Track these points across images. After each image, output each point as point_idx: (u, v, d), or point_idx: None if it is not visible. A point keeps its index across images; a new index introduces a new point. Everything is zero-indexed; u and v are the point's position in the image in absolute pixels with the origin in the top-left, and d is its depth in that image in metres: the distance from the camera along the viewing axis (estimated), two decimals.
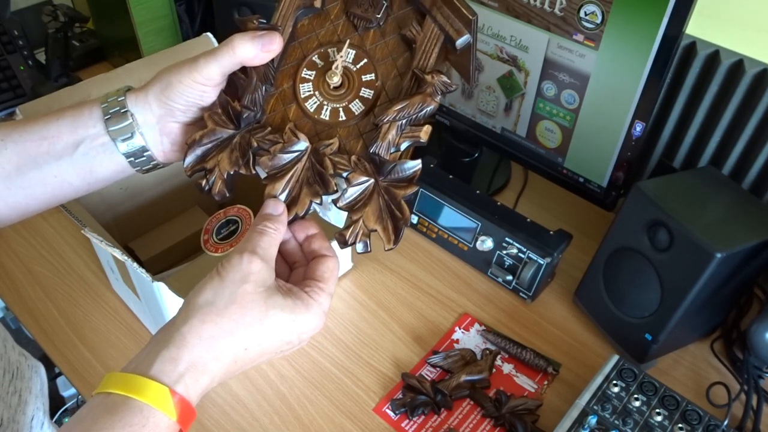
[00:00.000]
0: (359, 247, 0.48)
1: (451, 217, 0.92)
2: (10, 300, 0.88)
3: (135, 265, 0.64)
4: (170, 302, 0.66)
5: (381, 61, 0.50)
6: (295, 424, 0.74)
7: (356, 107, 0.50)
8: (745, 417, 0.74)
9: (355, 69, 0.50)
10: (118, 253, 0.64)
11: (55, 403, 1.57)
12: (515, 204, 1.04)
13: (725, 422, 0.69)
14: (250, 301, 0.43)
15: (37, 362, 0.76)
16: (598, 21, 0.76)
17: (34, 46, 1.22)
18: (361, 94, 0.50)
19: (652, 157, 0.97)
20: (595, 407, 0.70)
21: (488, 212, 0.89)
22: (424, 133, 0.47)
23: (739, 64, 0.83)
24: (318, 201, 0.48)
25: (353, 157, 0.48)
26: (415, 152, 0.49)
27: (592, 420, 0.69)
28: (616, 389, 0.72)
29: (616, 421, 0.69)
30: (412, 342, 0.83)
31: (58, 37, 1.21)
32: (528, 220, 0.88)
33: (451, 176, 0.94)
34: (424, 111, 0.47)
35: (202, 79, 0.48)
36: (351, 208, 0.48)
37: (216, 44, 0.89)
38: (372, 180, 0.48)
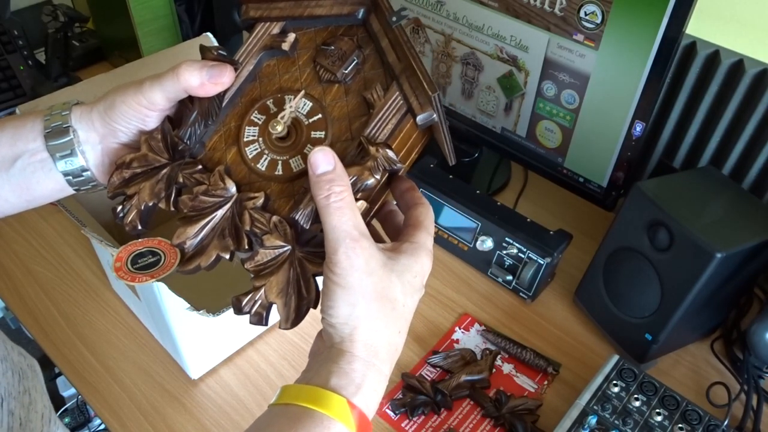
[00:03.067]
0: (253, 318, 0.43)
1: (451, 217, 0.92)
2: (10, 300, 0.88)
3: None
4: (170, 302, 0.66)
5: (337, 120, 0.46)
6: None
7: (296, 164, 0.45)
8: (745, 417, 0.74)
9: (306, 123, 0.46)
10: None
11: (56, 403, 1.57)
12: (515, 204, 1.04)
13: (725, 422, 0.69)
14: (382, 288, 0.41)
15: (32, 360, 0.76)
16: (598, 21, 0.76)
17: (34, 46, 1.22)
18: (305, 150, 0.45)
19: (652, 157, 0.97)
20: (595, 407, 0.70)
21: (488, 212, 0.89)
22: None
23: (739, 64, 0.83)
24: (226, 256, 0.44)
25: (275, 218, 0.43)
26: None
27: (592, 420, 0.69)
28: (616, 389, 0.72)
29: (616, 421, 0.69)
30: (412, 342, 0.83)
31: (58, 37, 1.21)
32: (528, 220, 0.88)
33: (451, 176, 0.94)
34: (358, 185, 0.42)
35: (145, 103, 0.46)
36: (258, 272, 0.43)
37: (216, 44, 0.89)
38: (288, 247, 0.43)
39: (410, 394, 0.76)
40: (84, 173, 0.48)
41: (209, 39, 0.89)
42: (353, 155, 0.44)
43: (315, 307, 0.43)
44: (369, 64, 0.47)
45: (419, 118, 0.44)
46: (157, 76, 0.45)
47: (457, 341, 0.84)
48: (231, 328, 0.78)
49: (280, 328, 0.42)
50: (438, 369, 0.80)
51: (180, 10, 1.23)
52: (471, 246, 0.91)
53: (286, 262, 0.43)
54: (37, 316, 0.86)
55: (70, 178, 0.48)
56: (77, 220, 0.73)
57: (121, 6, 1.15)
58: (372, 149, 0.43)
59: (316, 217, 0.42)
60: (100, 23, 1.29)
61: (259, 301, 0.43)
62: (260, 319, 0.43)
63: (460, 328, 0.85)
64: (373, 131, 0.44)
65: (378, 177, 0.43)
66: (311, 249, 0.43)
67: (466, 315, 0.87)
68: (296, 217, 0.43)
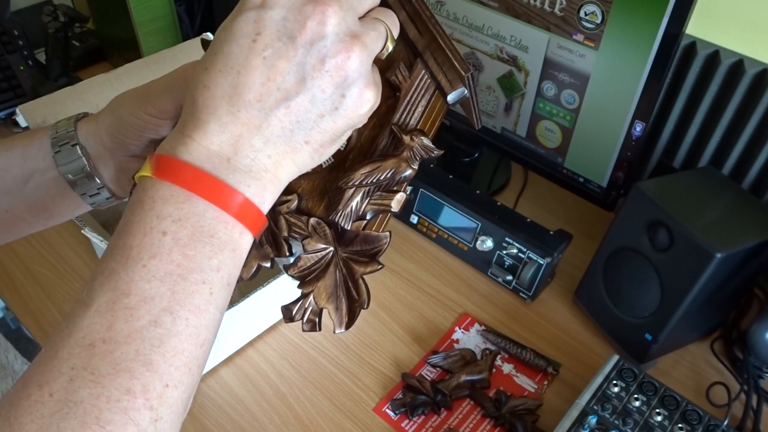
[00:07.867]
0: (306, 326, 0.41)
1: (451, 217, 0.92)
2: (10, 300, 0.88)
3: None
4: None
5: None
6: (295, 424, 0.74)
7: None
8: (745, 417, 0.74)
9: None
10: None
11: None
12: (515, 204, 1.04)
13: (725, 422, 0.69)
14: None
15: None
16: (598, 21, 0.76)
17: (34, 46, 1.22)
18: None
19: (652, 157, 0.97)
20: (595, 407, 0.70)
21: (488, 212, 0.89)
22: (396, 202, 0.40)
23: (739, 64, 0.83)
24: (267, 264, 0.42)
25: (312, 221, 0.41)
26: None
27: (592, 420, 0.69)
28: (616, 389, 0.72)
29: (616, 421, 0.69)
30: (412, 342, 0.83)
31: (58, 37, 1.21)
32: (528, 220, 0.88)
33: (451, 176, 0.94)
34: (396, 178, 0.40)
35: (155, 112, 0.43)
36: (303, 278, 0.41)
37: None
38: (331, 249, 0.41)
39: (410, 394, 0.76)
40: (100, 191, 0.46)
41: (210, 39, 0.89)
42: (386, 145, 0.41)
43: (367, 308, 0.41)
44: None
45: (450, 98, 0.41)
46: (164, 82, 0.43)
47: (457, 341, 0.84)
48: (231, 329, 0.78)
49: (334, 332, 0.41)
50: (438, 369, 0.80)
51: (180, 10, 1.23)
52: (471, 246, 0.91)
53: (331, 265, 0.41)
54: (37, 316, 0.86)
55: (86, 196, 0.47)
56: (77, 220, 0.73)
57: (121, 6, 1.15)
58: (406, 138, 0.40)
59: (356, 216, 0.41)
60: (100, 23, 1.29)
61: (310, 308, 0.41)
62: (313, 326, 0.42)
63: (460, 328, 0.85)
64: (403, 116, 0.41)
65: (415, 167, 0.41)
66: (355, 249, 0.41)
67: (466, 315, 0.87)
68: (336, 220, 0.41)
